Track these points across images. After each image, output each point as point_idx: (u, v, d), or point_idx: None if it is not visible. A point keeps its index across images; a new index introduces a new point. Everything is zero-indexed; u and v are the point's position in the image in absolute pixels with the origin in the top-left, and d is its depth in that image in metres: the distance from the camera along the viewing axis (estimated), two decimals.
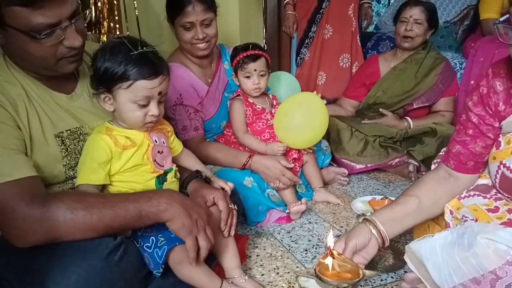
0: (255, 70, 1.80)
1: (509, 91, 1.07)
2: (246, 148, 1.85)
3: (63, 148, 1.12)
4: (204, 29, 1.79)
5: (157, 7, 2.30)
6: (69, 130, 1.14)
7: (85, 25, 1.13)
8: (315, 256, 1.49)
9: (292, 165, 1.82)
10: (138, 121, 1.13)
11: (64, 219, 0.95)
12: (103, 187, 1.14)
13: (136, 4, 1.95)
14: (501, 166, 1.07)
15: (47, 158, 1.08)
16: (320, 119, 1.80)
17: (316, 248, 1.55)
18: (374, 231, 1.17)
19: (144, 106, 1.11)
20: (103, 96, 1.12)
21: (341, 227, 1.73)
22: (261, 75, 1.83)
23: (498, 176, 1.09)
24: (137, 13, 1.95)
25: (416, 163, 2.27)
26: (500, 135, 1.11)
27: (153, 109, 1.12)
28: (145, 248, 1.08)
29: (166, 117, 1.78)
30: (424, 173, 2.16)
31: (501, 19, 0.99)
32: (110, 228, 1.00)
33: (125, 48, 1.08)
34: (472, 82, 2.64)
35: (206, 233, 1.09)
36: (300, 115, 1.76)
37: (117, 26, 1.93)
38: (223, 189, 1.34)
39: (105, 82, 1.09)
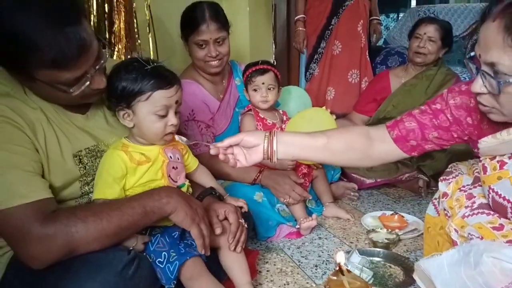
0: (263, 83, 1.85)
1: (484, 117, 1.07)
2: (257, 163, 1.86)
3: (81, 167, 1.15)
4: (217, 47, 1.84)
5: (170, 25, 2.35)
6: (87, 148, 1.18)
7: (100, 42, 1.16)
8: (325, 272, 1.50)
9: (302, 180, 1.84)
10: (159, 132, 1.19)
11: (77, 229, 0.97)
12: None
13: (152, 22, 1.99)
14: (490, 191, 1.08)
15: (66, 177, 1.11)
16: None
17: (326, 264, 1.56)
18: (265, 142, 1.13)
19: (163, 116, 1.17)
20: (122, 113, 1.17)
21: (351, 242, 1.74)
22: (269, 89, 1.87)
23: (490, 199, 1.10)
24: (150, 33, 2.00)
25: (426, 179, 2.27)
26: (483, 159, 1.10)
27: (172, 118, 1.19)
28: (157, 263, 1.11)
29: (179, 133, 1.82)
30: (434, 188, 2.17)
31: (471, 53, 0.99)
32: (120, 229, 1.03)
33: (138, 65, 1.15)
34: None
35: (205, 221, 1.15)
36: (309, 130, 1.77)
37: (128, 44, 1.97)
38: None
39: (124, 99, 1.15)
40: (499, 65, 0.89)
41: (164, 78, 1.16)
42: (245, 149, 1.15)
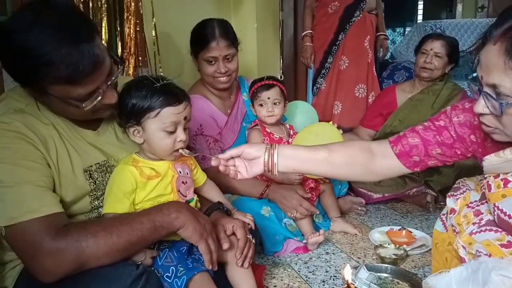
0: (268, 98, 1.87)
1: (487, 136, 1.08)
2: (264, 177, 1.88)
3: (91, 182, 1.17)
4: (226, 63, 1.87)
5: (178, 41, 2.39)
6: (97, 163, 1.19)
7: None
8: None
9: (309, 195, 1.84)
10: (168, 149, 1.20)
11: (87, 244, 0.99)
12: None
13: (157, 39, 2.03)
14: (496, 209, 1.08)
15: (76, 192, 1.13)
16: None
17: (333, 280, 1.55)
18: (266, 154, 1.14)
19: (172, 133, 1.19)
20: (132, 129, 1.19)
21: (359, 258, 1.73)
22: (275, 104, 1.88)
23: (495, 216, 1.10)
24: (155, 47, 2.03)
25: (434, 194, 2.26)
26: (487, 176, 1.10)
27: (181, 134, 1.20)
28: (165, 278, 1.11)
29: (188, 147, 1.84)
30: (442, 203, 2.16)
31: (474, 75, 0.98)
32: (130, 244, 1.04)
33: (148, 83, 1.17)
34: None
35: (213, 236, 1.16)
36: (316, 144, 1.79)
37: (139, 59, 2.01)
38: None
39: (134, 116, 1.17)
40: (501, 87, 0.90)
41: (173, 95, 1.18)
42: (247, 161, 1.16)
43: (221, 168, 1.15)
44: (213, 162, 1.15)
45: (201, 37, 1.86)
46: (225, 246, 1.22)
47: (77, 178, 1.13)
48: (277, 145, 1.17)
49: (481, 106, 0.97)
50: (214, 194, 1.45)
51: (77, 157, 1.14)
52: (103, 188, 1.19)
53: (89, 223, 1.07)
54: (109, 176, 1.20)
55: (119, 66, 1.17)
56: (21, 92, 1.09)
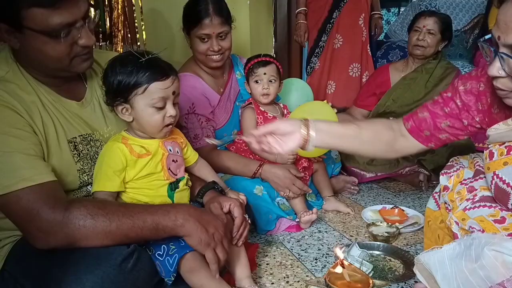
0: (264, 73, 1.85)
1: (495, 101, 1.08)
2: (257, 156, 1.87)
3: (75, 153, 1.15)
4: (219, 41, 1.83)
5: (169, 17, 2.34)
6: (81, 135, 1.17)
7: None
8: (325, 265, 1.50)
9: (302, 174, 1.84)
10: (157, 125, 1.18)
11: (84, 223, 0.98)
12: (117, 194, 1.18)
13: (142, 16, 1.98)
14: (495, 177, 1.08)
15: (62, 163, 1.11)
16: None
17: (326, 257, 1.56)
18: (303, 130, 1.13)
19: (161, 108, 1.17)
20: (120, 107, 1.17)
21: (351, 236, 1.74)
22: (271, 81, 1.86)
23: (493, 186, 1.10)
24: (143, 24, 1.98)
25: (427, 172, 2.26)
26: (489, 145, 1.10)
27: (170, 109, 1.18)
28: (157, 256, 1.11)
29: (179, 126, 1.82)
30: (435, 182, 2.16)
31: (486, 37, 0.96)
32: (127, 238, 1.02)
33: (133, 58, 1.14)
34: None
35: (223, 245, 1.12)
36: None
37: (129, 35, 1.96)
38: None
39: (121, 93, 1.14)
40: (508, 42, 0.88)
41: (159, 69, 1.15)
42: (279, 137, 1.14)
43: (256, 145, 1.14)
44: (246, 139, 1.14)
45: (194, 13, 1.81)
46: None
47: (61, 149, 1.11)
48: (311, 120, 1.16)
49: (496, 68, 0.94)
50: (206, 172, 1.44)
51: (60, 128, 1.12)
52: (88, 162, 1.17)
53: (92, 203, 1.05)
54: (95, 150, 1.19)
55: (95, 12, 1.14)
56: (1, 59, 1.08)
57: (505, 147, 1.06)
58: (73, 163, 1.14)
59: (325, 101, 1.94)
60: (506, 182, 1.05)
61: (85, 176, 1.17)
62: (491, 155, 1.09)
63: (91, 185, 1.18)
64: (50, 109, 1.12)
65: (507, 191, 1.06)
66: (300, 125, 1.14)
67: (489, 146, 1.10)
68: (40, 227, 0.97)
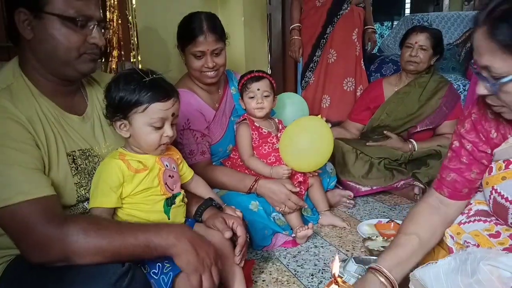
0: (258, 89, 1.86)
1: (499, 119, 1.09)
2: (252, 172, 1.87)
3: (73, 167, 1.15)
4: (214, 58, 1.84)
5: (165, 34, 2.36)
6: (80, 150, 1.18)
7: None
8: (321, 281, 1.49)
9: (298, 189, 1.84)
10: (154, 143, 1.20)
11: (77, 239, 0.98)
12: (114, 210, 1.18)
13: (137, 33, 2.00)
14: (493, 192, 1.09)
15: (59, 175, 1.11)
16: (325, 142, 1.83)
17: (322, 273, 1.55)
18: (383, 279, 1.14)
19: (159, 128, 1.18)
20: (119, 123, 1.18)
21: (347, 251, 1.73)
22: (265, 96, 1.87)
23: (491, 201, 1.11)
24: (137, 41, 2.00)
25: (422, 185, 2.27)
26: (492, 162, 1.12)
27: (168, 130, 1.20)
28: (152, 274, 1.10)
29: (174, 142, 1.82)
30: None
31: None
32: (118, 255, 1.01)
33: (137, 77, 1.16)
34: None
35: (211, 273, 1.10)
36: (305, 139, 1.79)
37: (122, 53, 1.97)
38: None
39: (121, 109, 1.16)
40: (492, 68, 0.93)
41: (162, 90, 1.17)
42: None
43: None
44: None
45: (188, 31, 1.83)
46: (227, 234, 1.23)
47: (60, 161, 1.12)
48: (378, 266, 1.16)
49: (481, 87, 1.00)
50: (202, 189, 1.45)
51: (61, 141, 1.13)
52: (85, 176, 1.17)
53: (86, 220, 1.05)
54: (93, 165, 1.19)
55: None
56: (9, 70, 1.10)
57: (503, 161, 1.07)
58: (70, 177, 1.14)
59: (319, 116, 1.95)
60: (505, 197, 1.06)
61: (82, 190, 1.17)
62: (490, 170, 1.11)
63: (88, 201, 1.18)
64: (52, 122, 1.12)
65: (506, 206, 1.06)
66: (377, 278, 1.15)
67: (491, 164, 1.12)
68: (36, 241, 0.96)
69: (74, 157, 1.16)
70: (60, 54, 1.10)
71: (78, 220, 1.02)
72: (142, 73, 1.16)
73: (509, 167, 1.05)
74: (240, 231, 1.27)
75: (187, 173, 1.40)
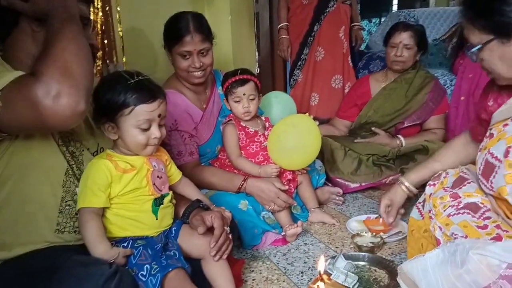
0: (244, 94, 1.85)
1: (500, 91, 1.23)
2: (241, 172, 1.87)
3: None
4: (201, 58, 1.84)
5: (151, 35, 2.35)
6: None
7: None
8: (310, 278, 1.50)
9: (286, 187, 1.84)
10: (141, 145, 1.21)
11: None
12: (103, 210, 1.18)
13: (122, 34, 1.98)
14: (487, 154, 1.14)
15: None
16: (313, 140, 1.83)
17: (312, 270, 1.56)
18: (405, 189, 1.63)
19: (146, 130, 1.19)
20: (106, 125, 1.19)
21: (337, 247, 1.74)
22: (251, 99, 1.86)
23: (482, 162, 1.16)
24: (122, 43, 1.99)
25: None
26: (492, 128, 1.19)
27: (155, 131, 1.21)
28: (140, 276, 1.10)
29: (162, 143, 1.82)
30: (418, 190, 2.18)
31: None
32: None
33: (122, 79, 1.17)
34: (462, 98, 2.69)
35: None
36: (292, 137, 1.79)
37: (103, 54, 1.95)
38: None
39: (108, 112, 1.17)
40: (469, 39, 1.16)
41: (147, 92, 1.18)
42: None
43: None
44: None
45: (174, 31, 1.82)
46: (201, 230, 1.21)
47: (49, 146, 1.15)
48: (404, 179, 1.63)
49: (471, 57, 1.20)
50: (191, 191, 1.45)
51: None
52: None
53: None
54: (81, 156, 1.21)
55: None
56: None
57: (503, 125, 1.14)
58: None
59: (307, 114, 1.95)
60: (495, 156, 1.11)
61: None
62: (491, 136, 1.17)
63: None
64: None
65: (495, 164, 1.10)
66: (403, 191, 1.64)
67: (491, 129, 1.19)
68: (48, 91, 0.93)
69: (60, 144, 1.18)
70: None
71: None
72: (127, 75, 1.17)
73: (505, 128, 1.13)
74: (216, 223, 1.26)
75: (175, 174, 1.40)
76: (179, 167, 1.83)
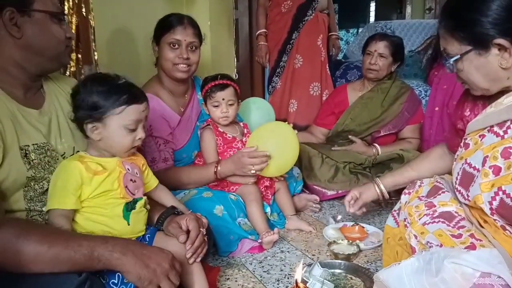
0: (223, 99, 1.84)
1: (476, 101, 1.25)
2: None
3: (26, 161, 1.12)
4: (189, 51, 1.84)
5: (127, 38, 2.31)
6: (35, 144, 1.16)
7: None
8: (287, 286, 1.48)
9: (254, 147, 1.79)
10: (126, 146, 1.21)
11: (16, 241, 0.93)
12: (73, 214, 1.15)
13: (94, 36, 1.95)
14: (465, 164, 1.15)
15: (10, 169, 1.08)
16: (291, 148, 1.84)
17: (288, 278, 1.55)
18: (378, 190, 1.70)
19: (133, 130, 1.19)
20: (90, 126, 1.17)
21: (313, 255, 1.74)
22: (230, 104, 1.86)
23: (460, 172, 1.17)
24: (94, 45, 1.95)
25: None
26: (467, 138, 1.19)
27: (141, 132, 1.22)
28: (111, 285, 1.06)
29: (138, 149, 1.79)
30: (394, 198, 2.21)
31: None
32: (57, 260, 0.96)
33: (109, 80, 1.18)
34: (436, 108, 2.74)
35: (168, 279, 1.07)
36: (271, 144, 1.79)
37: (79, 56, 1.91)
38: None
39: (94, 112, 1.15)
40: (446, 50, 1.18)
41: (136, 92, 1.20)
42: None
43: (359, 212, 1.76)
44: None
45: (167, 22, 1.85)
46: (182, 238, 1.19)
47: (11, 154, 1.09)
48: (379, 181, 1.70)
49: (447, 67, 1.23)
50: (167, 198, 1.43)
51: (13, 133, 1.10)
52: (41, 170, 1.15)
53: (29, 222, 1.03)
54: (49, 160, 1.18)
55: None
56: None
57: (479, 136, 1.14)
58: (24, 170, 1.11)
59: (286, 122, 1.96)
60: (473, 166, 1.12)
61: (35, 185, 1.14)
62: (466, 146, 1.18)
63: (43, 203, 1.15)
64: (6, 114, 1.11)
65: (473, 174, 1.11)
66: (376, 190, 1.71)
67: (466, 139, 1.19)
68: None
69: (27, 152, 1.13)
70: (52, 48, 1.18)
71: (20, 224, 0.99)
72: (109, 77, 1.18)
73: (482, 140, 1.13)
74: (191, 226, 1.24)
75: (152, 181, 1.38)
76: (154, 173, 1.81)
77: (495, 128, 1.10)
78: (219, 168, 1.80)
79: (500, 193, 1.03)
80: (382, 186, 1.67)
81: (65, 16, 1.23)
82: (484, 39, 1.09)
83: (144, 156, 1.73)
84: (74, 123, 1.21)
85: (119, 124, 1.17)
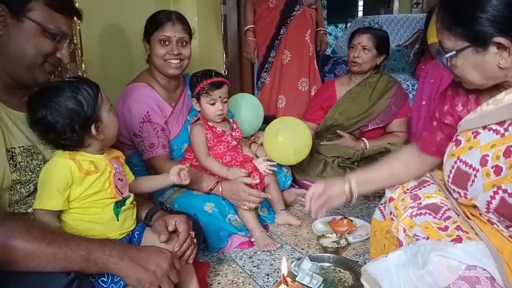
0: (219, 97, 1.84)
1: (468, 96, 1.19)
2: (208, 172, 1.86)
3: (11, 163, 1.10)
4: (179, 47, 1.85)
5: (117, 36, 2.29)
6: (22, 147, 1.14)
7: None
8: (276, 281, 1.50)
9: (257, 180, 1.83)
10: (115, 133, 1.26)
11: (15, 237, 0.93)
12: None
13: (81, 36, 1.93)
14: (458, 162, 1.12)
15: None
16: (307, 139, 2.06)
17: (277, 272, 1.56)
18: (346, 187, 1.36)
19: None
20: (93, 127, 1.17)
21: (303, 249, 1.75)
22: (224, 102, 1.87)
23: (453, 171, 1.14)
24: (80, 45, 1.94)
25: None
26: (459, 134, 1.16)
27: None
28: (101, 283, 1.05)
29: (132, 135, 1.79)
30: (381, 192, 2.23)
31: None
32: (54, 258, 0.96)
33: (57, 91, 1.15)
34: (423, 102, 2.77)
35: (169, 278, 1.09)
36: (299, 139, 1.99)
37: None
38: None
39: (88, 114, 1.16)
40: (442, 43, 1.12)
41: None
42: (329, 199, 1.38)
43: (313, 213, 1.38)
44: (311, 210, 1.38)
45: (156, 19, 1.87)
46: (162, 238, 1.19)
47: None
48: (350, 175, 1.38)
49: (441, 61, 1.16)
50: (146, 185, 1.42)
51: (1, 135, 1.08)
52: (26, 173, 1.13)
53: (29, 220, 1.03)
54: (36, 163, 1.16)
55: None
56: None
57: (472, 133, 1.11)
58: (8, 173, 1.09)
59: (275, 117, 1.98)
60: (469, 164, 1.09)
61: (21, 188, 1.12)
62: (458, 143, 1.15)
63: (28, 205, 1.14)
64: None
65: (469, 173, 1.09)
66: (344, 184, 1.36)
67: (457, 135, 1.17)
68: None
69: (13, 154, 1.11)
70: (27, 57, 1.13)
71: (18, 220, 0.99)
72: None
73: (477, 137, 1.10)
74: (181, 228, 1.24)
75: (129, 175, 1.36)
76: (152, 159, 1.81)
77: (493, 126, 1.07)
78: (218, 187, 1.79)
79: (500, 192, 1.00)
80: (353, 180, 1.36)
81: (68, 40, 1.19)
82: (483, 36, 1.03)
83: (141, 141, 1.79)
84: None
85: (106, 108, 1.19)
